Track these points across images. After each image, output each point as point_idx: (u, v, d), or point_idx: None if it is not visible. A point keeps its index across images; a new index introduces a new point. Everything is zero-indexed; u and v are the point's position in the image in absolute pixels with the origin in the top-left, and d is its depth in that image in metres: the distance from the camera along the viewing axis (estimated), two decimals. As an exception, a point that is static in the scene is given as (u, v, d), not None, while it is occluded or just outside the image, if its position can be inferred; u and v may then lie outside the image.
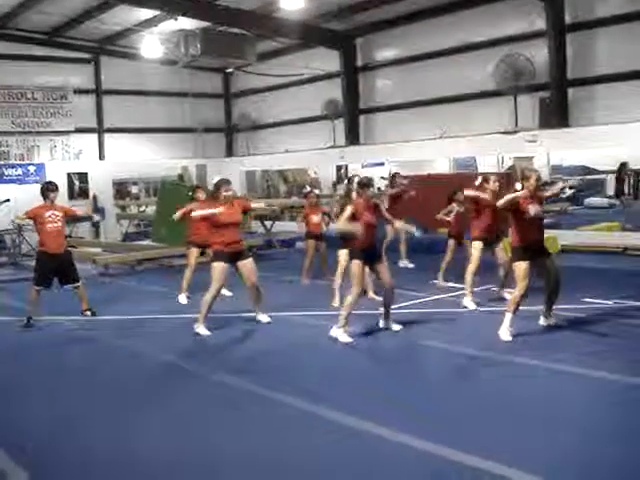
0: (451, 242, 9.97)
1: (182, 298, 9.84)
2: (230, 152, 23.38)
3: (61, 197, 9.30)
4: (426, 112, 17.09)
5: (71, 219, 8.88)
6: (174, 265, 13.14)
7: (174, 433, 5.03)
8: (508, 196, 7.11)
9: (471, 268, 8.70)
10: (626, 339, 7.01)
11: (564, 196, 17.68)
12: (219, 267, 7.88)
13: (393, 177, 12.54)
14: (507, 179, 13.00)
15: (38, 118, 19.27)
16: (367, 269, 7.66)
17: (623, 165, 18.34)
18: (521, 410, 5.13)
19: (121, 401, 5.80)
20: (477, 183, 8.99)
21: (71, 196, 18.97)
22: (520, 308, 7.19)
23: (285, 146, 20.65)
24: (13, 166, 18.51)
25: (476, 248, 8.71)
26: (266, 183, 23.35)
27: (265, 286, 8.51)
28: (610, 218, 15.94)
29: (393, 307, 7.86)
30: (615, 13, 13.70)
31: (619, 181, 18.62)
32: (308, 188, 12.38)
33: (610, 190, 20.21)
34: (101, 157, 20.59)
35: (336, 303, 8.86)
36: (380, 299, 8.03)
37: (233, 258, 7.97)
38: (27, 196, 9.18)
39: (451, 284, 9.95)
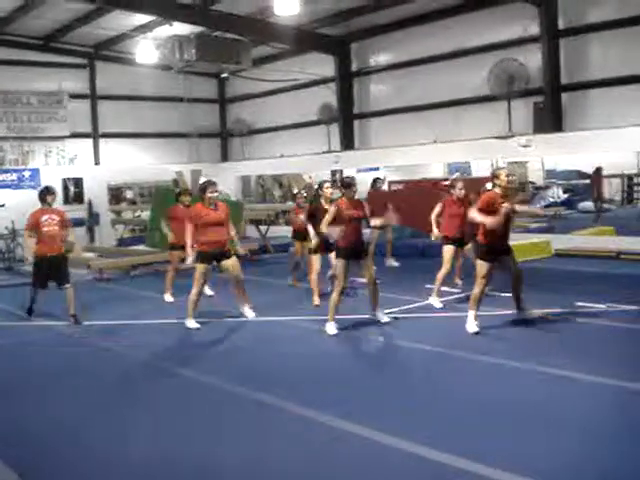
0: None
1: (167, 297, 10.42)
2: (225, 157, 23.39)
3: (55, 202, 9.42)
4: (420, 117, 17.14)
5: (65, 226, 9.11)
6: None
7: (165, 438, 5.03)
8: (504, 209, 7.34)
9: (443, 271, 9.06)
10: (618, 343, 7.05)
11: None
12: (200, 268, 8.37)
13: (374, 182, 13.46)
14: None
15: (33, 123, 19.25)
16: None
17: (598, 170, 18.41)
18: (518, 414, 5.13)
19: (114, 403, 5.81)
20: (445, 184, 9.71)
21: (66, 201, 18.94)
22: (512, 312, 7.27)
23: (280, 151, 20.67)
24: (8, 171, 18.47)
25: (447, 251, 9.13)
26: (261, 188, 23.35)
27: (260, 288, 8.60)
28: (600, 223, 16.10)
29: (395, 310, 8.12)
30: (608, 18, 13.78)
31: (595, 186, 18.70)
32: (296, 190, 12.84)
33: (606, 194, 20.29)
34: (96, 162, 20.57)
35: (316, 302, 9.35)
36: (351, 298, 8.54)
37: (216, 258, 8.40)
38: (21, 201, 9.20)
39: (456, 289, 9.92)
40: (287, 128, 20.86)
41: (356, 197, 8.07)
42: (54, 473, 4.58)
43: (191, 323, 8.42)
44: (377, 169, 18.43)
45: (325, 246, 9.01)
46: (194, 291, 8.41)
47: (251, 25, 17.03)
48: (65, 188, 19.23)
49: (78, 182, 19.47)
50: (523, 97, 15.09)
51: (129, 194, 22.40)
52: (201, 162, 21.45)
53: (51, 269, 8.91)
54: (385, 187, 13.39)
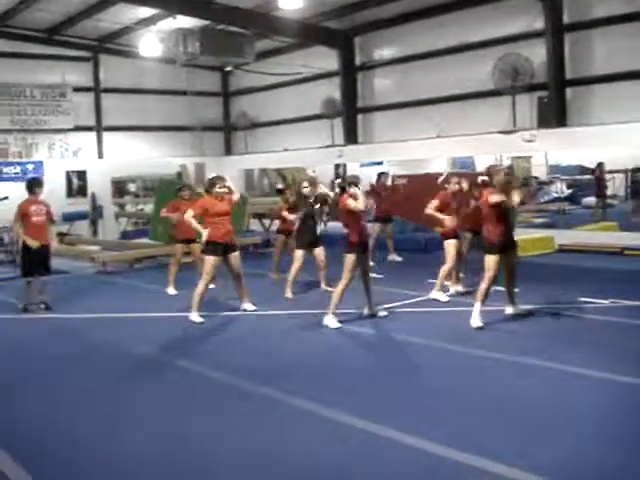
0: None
1: (170, 290, 10.54)
2: (229, 150, 23.36)
3: (59, 195, 9.52)
4: (424, 111, 17.07)
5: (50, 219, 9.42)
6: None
7: (167, 433, 5.05)
8: (494, 198, 7.47)
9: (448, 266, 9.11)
10: (623, 339, 7.04)
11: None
12: (211, 260, 8.34)
13: (379, 176, 13.47)
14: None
15: (37, 116, 19.24)
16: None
17: (600, 165, 18.33)
18: (524, 410, 5.13)
19: (114, 397, 5.82)
20: (440, 180, 9.67)
21: (70, 194, 18.97)
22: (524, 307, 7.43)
23: (284, 145, 20.64)
24: (11, 164, 18.49)
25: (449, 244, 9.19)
26: (267, 180, 23.34)
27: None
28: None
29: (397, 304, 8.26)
30: (613, 13, 13.68)
31: (598, 181, 18.61)
32: (280, 185, 13.08)
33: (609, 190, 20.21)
34: (100, 155, 20.57)
35: (289, 294, 9.73)
36: (331, 289, 8.54)
37: (225, 250, 8.42)
38: (25, 194, 9.29)
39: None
40: (291, 122, 20.81)
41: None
42: (54, 473, 4.55)
43: (196, 317, 8.43)
44: (380, 163, 18.41)
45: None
46: (202, 284, 8.41)
47: (255, 18, 16.98)
48: (69, 181, 19.26)
49: (82, 175, 19.50)
50: (527, 92, 15.03)
51: (133, 187, 22.42)
52: (205, 155, 21.45)
53: (40, 259, 9.14)
54: (389, 182, 13.61)
